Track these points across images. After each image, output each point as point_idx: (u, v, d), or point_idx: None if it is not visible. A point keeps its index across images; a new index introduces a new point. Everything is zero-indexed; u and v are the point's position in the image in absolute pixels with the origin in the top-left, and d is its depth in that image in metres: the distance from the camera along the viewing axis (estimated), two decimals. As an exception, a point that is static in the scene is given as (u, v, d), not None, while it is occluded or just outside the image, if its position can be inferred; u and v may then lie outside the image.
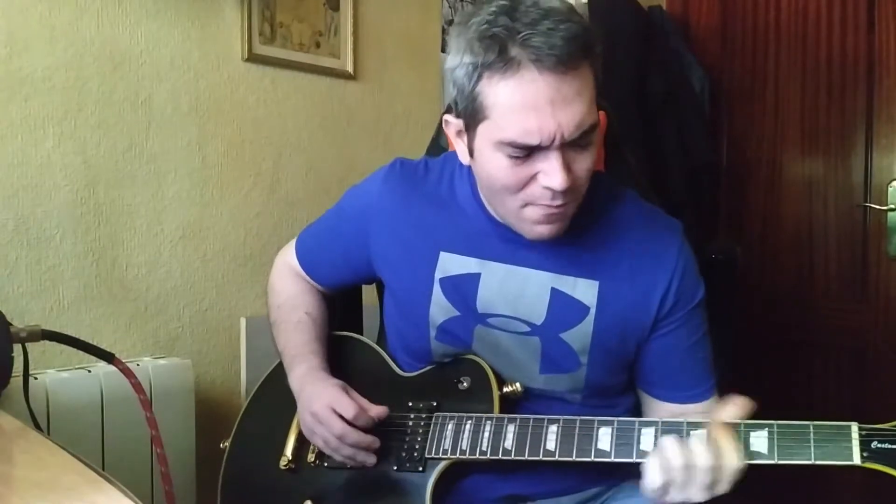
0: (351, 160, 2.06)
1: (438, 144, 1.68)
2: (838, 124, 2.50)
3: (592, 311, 1.07)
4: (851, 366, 2.47)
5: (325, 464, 1.16)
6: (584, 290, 1.08)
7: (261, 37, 1.86)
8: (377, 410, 1.09)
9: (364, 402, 1.10)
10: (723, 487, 0.89)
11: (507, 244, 1.10)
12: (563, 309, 1.08)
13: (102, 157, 1.62)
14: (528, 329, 1.10)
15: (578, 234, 1.08)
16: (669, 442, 0.90)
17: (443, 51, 2.24)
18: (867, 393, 2.38)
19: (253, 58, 1.85)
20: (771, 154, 2.64)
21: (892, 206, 2.38)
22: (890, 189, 2.39)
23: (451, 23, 2.27)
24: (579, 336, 1.08)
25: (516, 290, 1.09)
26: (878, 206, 2.41)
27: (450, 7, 2.27)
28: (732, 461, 0.88)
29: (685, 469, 0.88)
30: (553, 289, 1.08)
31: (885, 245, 2.41)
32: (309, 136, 1.98)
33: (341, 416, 1.07)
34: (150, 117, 1.69)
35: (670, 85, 2.46)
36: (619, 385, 1.15)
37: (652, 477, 0.90)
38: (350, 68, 2.04)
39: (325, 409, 1.08)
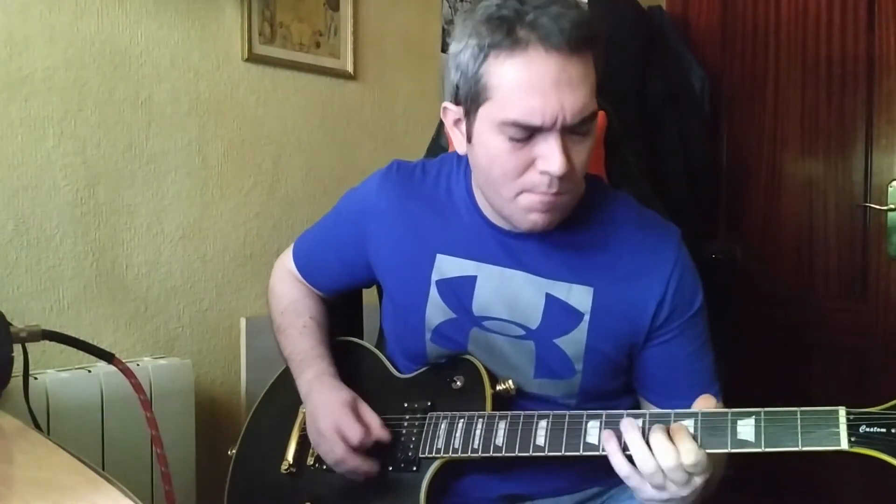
0: (351, 160, 2.06)
1: (438, 144, 1.68)
2: (838, 124, 2.50)
3: (587, 317, 1.07)
4: (851, 366, 2.47)
5: (324, 467, 1.16)
6: (579, 296, 1.07)
7: (261, 37, 1.86)
8: (379, 434, 1.08)
9: (372, 420, 1.09)
10: (697, 481, 0.89)
11: (503, 247, 1.09)
12: (558, 314, 1.07)
13: (102, 157, 1.62)
14: (522, 333, 1.09)
15: (574, 239, 1.07)
16: (635, 443, 0.89)
17: (443, 51, 2.24)
18: (867, 393, 2.38)
19: (253, 58, 1.85)
20: (771, 154, 2.64)
21: (892, 206, 2.38)
22: (890, 189, 2.39)
23: (451, 23, 2.27)
24: (573, 342, 1.07)
25: (512, 294, 1.09)
26: (878, 206, 2.42)
27: (450, 7, 2.27)
28: (690, 457, 0.87)
29: (658, 472, 0.88)
30: (548, 294, 1.07)
31: (885, 245, 2.41)
32: (309, 136, 1.98)
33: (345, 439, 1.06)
34: (150, 117, 1.69)
35: (670, 85, 2.46)
36: (615, 390, 1.14)
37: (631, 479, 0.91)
38: (350, 68, 2.04)
39: (331, 430, 1.07)
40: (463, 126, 1.03)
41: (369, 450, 1.09)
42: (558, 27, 0.91)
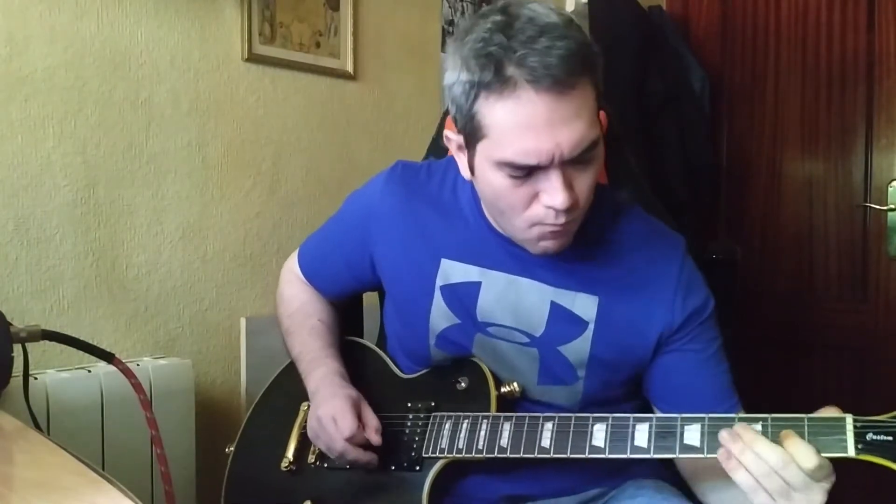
0: (351, 160, 2.06)
1: (439, 145, 1.68)
2: (838, 124, 2.50)
3: (591, 326, 1.06)
4: (851, 366, 2.47)
5: (325, 465, 1.16)
6: (584, 305, 1.07)
7: (261, 37, 1.86)
8: (371, 435, 1.08)
9: (370, 420, 1.09)
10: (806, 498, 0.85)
11: (508, 254, 1.09)
12: (562, 322, 1.07)
13: (102, 157, 1.62)
14: (527, 340, 1.09)
15: (580, 249, 1.07)
16: (764, 445, 0.85)
17: (443, 51, 2.24)
18: (867, 393, 2.38)
19: (253, 58, 1.85)
20: (771, 154, 2.64)
21: (892, 206, 2.38)
22: (890, 189, 2.39)
23: (450, 23, 2.27)
24: (577, 350, 1.07)
25: (516, 301, 1.08)
26: (878, 206, 2.42)
27: (450, 7, 2.27)
28: (808, 462, 0.83)
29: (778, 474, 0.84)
30: (553, 302, 1.07)
31: (885, 245, 2.41)
32: (309, 136, 1.98)
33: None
34: (150, 117, 1.69)
35: (670, 85, 2.46)
36: (616, 398, 1.13)
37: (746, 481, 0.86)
38: (350, 68, 2.04)
39: (328, 419, 1.07)
40: (465, 154, 1.01)
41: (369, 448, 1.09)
42: (545, 65, 0.87)
